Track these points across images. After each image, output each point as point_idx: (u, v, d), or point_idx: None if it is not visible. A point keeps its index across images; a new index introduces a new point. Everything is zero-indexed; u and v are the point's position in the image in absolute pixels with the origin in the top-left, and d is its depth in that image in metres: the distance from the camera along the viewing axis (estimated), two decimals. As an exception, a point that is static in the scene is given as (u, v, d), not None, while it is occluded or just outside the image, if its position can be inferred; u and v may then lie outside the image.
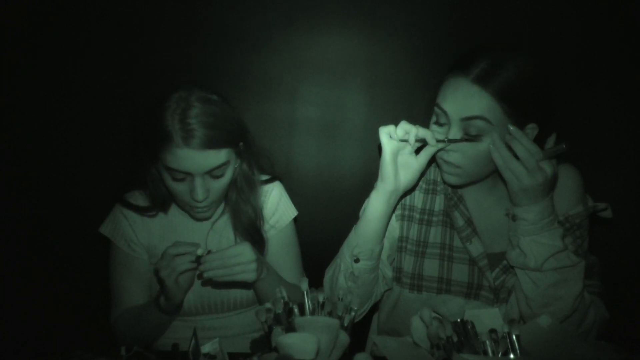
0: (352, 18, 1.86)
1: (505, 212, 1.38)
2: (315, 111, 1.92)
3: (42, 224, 1.94)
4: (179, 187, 1.43)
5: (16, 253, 1.95)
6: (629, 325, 1.75)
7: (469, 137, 1.29)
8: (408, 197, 1.50)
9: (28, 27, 1.84)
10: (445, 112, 1.30)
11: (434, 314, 1.19)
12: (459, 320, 1.16)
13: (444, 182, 1.43)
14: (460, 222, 1.43)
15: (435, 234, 1.47)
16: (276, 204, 1.63)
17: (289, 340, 1.12)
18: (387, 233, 1.43)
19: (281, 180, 1.68)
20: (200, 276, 1.38)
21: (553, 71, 1.78)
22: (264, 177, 1.63)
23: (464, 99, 1.27)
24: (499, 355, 1.10)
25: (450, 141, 1.29)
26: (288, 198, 1.67)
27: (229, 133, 1.41)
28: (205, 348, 1.22)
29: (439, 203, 1.48)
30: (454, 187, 1.44)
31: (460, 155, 1.31)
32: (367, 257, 1.38)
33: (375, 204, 1.35)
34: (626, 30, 1.80)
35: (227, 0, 1.85)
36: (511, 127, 1.24)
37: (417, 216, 1.49)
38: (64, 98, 1.88)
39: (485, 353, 1.10)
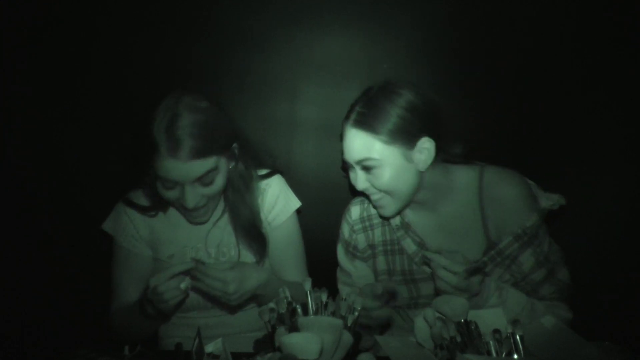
0: (354, 18, 1.86)
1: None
2: (316, 111, 1.91)
3: (49, 222, 1.94)
4: (170, 194, 1.42)
5: (20, 251, 1.94)
6: (632, 325, 1.76)
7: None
8: (370, 238, 1.56)
9: (35, 28, 1.84)
10: (345, 160, 1.42)
11: (437, 314, 1.20)
12: (462, 320, 1.16)
13: (383, 218, 1.49)
14: (412, 248, 1.48)
15: (396, 262, 1.52)
16: (275, 198, 1.61)
17: (292, 340, 1.12)
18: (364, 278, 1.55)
19: (282, 173, 1.66)
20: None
21: (552, 71, 1.81)
22: (263, 172, 1.62)
23: (350, 144, 1.39)
24: (503, 355, 1.10)
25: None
26: (289, 191, 1.65)
27: (216, 141, 1.40)
28: (209, 348, 1.22)
29: (378, 235, 1.55)
30: (391, 217, 1.49)
31: (379, 185, 1.39)
32: None
33: None
34: (625, 31, 1.80)
35: (228, 0, 1.85)
36: (428, 255, 1.29)
37: (359, 255, 1.57)
38: (69, 96, 1.88)
39: (489, 353, 1.10)
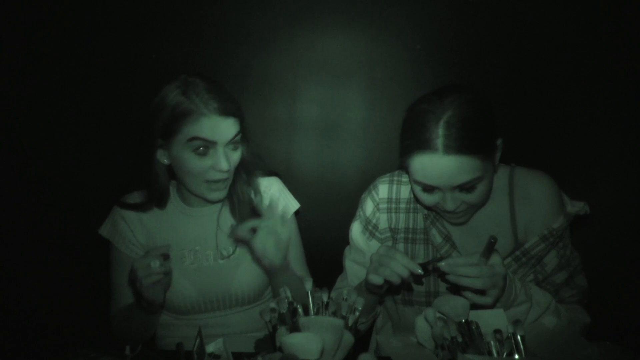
0: (355, 18, 1.86)
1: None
2: (316, 111, 1.92)
3: (49, 222, 1.94)
4: (201, 164, 1.45)
5: (20, 251, 1.95)
6: (633, 325, 1.76)
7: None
8: (393, 221, 1.51)
9: (32, 28, 1.84)
10: (434, 187, 1.31)
11: (438, 314, 1.20)
12: (463, 320, 1.16)
13: (452, 224, 1.44)
14: (438, 239, 1.45)
15: (419, 252, 1.49)
16: (276, 199, 1.62)
17: (293, 340, 1.12)
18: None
19: (279, 176, 1.68)
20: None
21: (551, 71, 1.81)
22: (263, 177, 1.64)
23: (447, 172, 1.26)
24: (504, 355, 1.10)
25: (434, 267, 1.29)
26: (288, 192, 1.67)
27: (235, 104, 1.48)
28: (210, 347, 1.22)
29: (420, 220, 1.50)
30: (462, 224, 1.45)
31: (474, 200, 1.32)
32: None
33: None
34: (624, 33, 1.80)
35: (228, 0, 1.85)
36: (442, 264, 1.24)
37: (378, 235, 1.52)
38: (68, 95, 1.88)
39: (490, 353, 1.10)
